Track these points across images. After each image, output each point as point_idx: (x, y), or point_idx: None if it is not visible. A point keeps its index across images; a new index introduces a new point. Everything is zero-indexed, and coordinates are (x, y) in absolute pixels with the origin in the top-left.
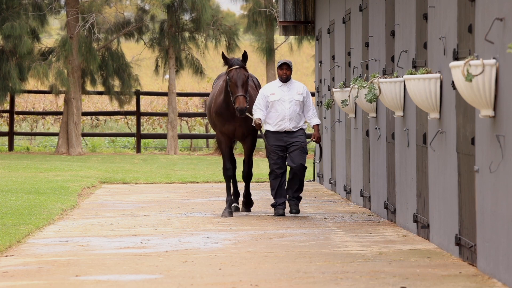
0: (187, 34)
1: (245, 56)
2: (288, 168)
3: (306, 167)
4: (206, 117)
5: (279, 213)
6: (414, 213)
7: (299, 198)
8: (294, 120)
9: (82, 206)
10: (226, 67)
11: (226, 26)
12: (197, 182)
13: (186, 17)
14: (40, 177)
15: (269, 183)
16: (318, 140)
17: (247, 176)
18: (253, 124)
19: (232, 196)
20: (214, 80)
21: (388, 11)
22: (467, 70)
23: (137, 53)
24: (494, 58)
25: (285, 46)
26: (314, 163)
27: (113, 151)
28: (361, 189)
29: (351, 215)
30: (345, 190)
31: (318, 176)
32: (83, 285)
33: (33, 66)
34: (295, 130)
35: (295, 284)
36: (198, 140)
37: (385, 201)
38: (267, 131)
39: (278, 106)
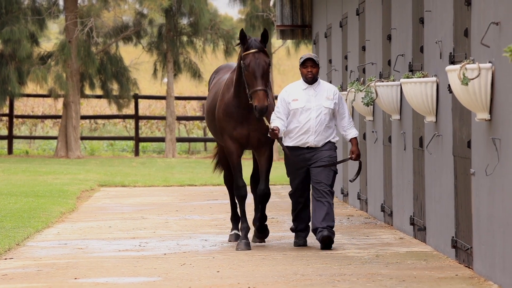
0: (185, 38)
1: (265, 36)
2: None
3: (333, 191)
4: (204, 121)
5: (299, 244)
6: (411, 216)
7: (332, 231)
8: (321, 134)
9: (81, 209)
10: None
11: (224, 30)
12: (195, 185)
13: (184, 21)
14: (39, 180)
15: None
16: (358, 158)
17: (263, 200)
18: (268, 134)
19: (235, 221)
20: (211, 75)
21: (384, 15)
22: (463, 73)
23: (136, 57)
24: (490, 62)
25: (283, 50)
26: (349, 181)
27: (112, 155)
28: (358, 192)
29: (348, 218)
30: (342, 193)
31: None
32: None
33: (32, 70)
34: (320, 146)
35: (292, 286)
36: (196, 144)
37: (382, 204)
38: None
39: (301, 116)
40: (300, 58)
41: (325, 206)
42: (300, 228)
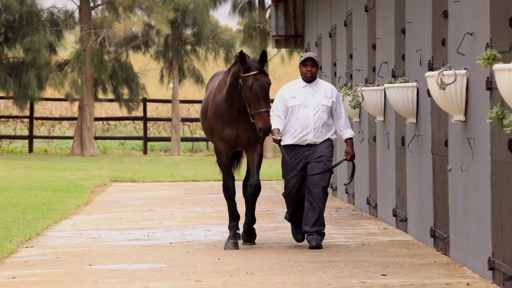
0: (189, 47)
1: (264, 56)
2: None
3: (327, 193)
4: None
5: (299, 239)
6: (394, 208)
7: (322, 234)
8: (320, 131)
9: (94, 202)
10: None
11: (224, 40)
12: (198, 181)
13: (188, 31)
14: (56, 176)
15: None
16: (352, 159)
17: (254, 193)
18: (271, 135)
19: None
20: (208, 81)
21: (369, 26)
22: (441, 79)
23: (144, 64)
24: (465, 68)
25: (277, 58)
26: (344, 185)
27: (122, 153)
28: (346, 187)
29: (337, 210)
30: (331, 187)
31: None
32: (95, 273)
33: (50, 76)
34: (319, 143)
35: (286, 272)
36: (199, 143)
37: (368, 197)
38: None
39: (299, 113)
40: (301, 57)
41: (316, 212)
42: (296, 225)
